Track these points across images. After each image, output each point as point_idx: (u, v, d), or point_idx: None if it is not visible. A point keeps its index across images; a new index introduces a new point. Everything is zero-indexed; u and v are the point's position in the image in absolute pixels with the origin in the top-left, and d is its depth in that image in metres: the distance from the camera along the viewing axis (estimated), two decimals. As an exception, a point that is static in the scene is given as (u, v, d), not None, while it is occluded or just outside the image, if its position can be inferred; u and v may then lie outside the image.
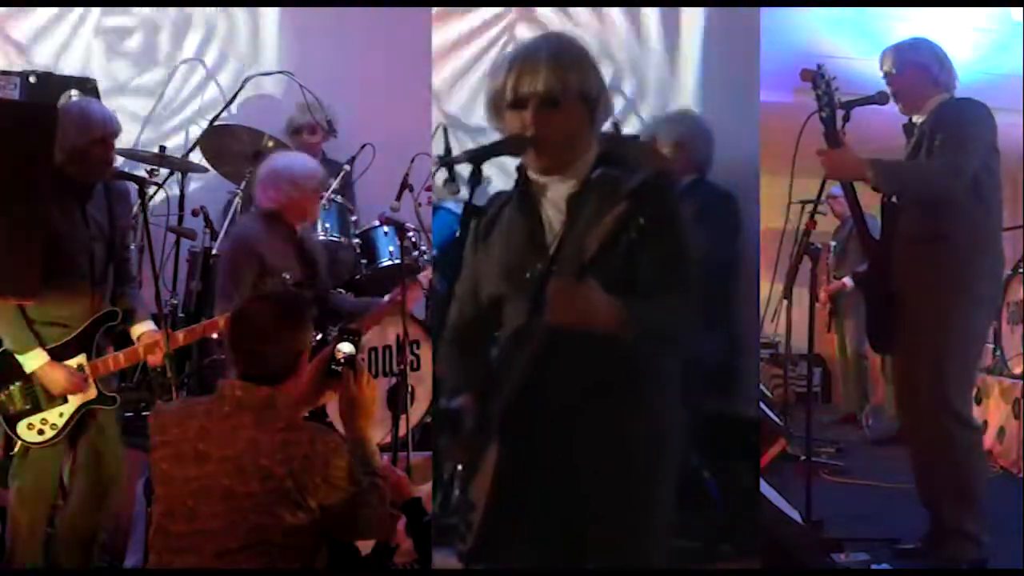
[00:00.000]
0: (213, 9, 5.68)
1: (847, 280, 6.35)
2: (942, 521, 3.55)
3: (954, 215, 3.45)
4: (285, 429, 2.39)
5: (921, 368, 3.53)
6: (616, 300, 2.05)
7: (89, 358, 3.34)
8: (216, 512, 2.35)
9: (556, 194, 2.25)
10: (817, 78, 3.48)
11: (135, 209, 4.34)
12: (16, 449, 3.34)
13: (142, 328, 3.49)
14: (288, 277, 3.90)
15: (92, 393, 3.35)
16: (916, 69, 3.61)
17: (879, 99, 3.64)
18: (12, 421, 3.29)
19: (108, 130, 3.33)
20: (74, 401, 3.33)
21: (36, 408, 3.30)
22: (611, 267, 2.07)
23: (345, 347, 2.62)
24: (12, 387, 3.28)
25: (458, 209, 4.04)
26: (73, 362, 3.32)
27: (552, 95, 2.17)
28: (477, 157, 2.22)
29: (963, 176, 3.41)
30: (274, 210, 3.96)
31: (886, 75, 3.66)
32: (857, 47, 6.08)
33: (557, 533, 2.19)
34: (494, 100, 2.24)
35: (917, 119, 3.64)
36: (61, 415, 3.32)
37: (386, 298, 4.25)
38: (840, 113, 3.56)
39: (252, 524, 2.33)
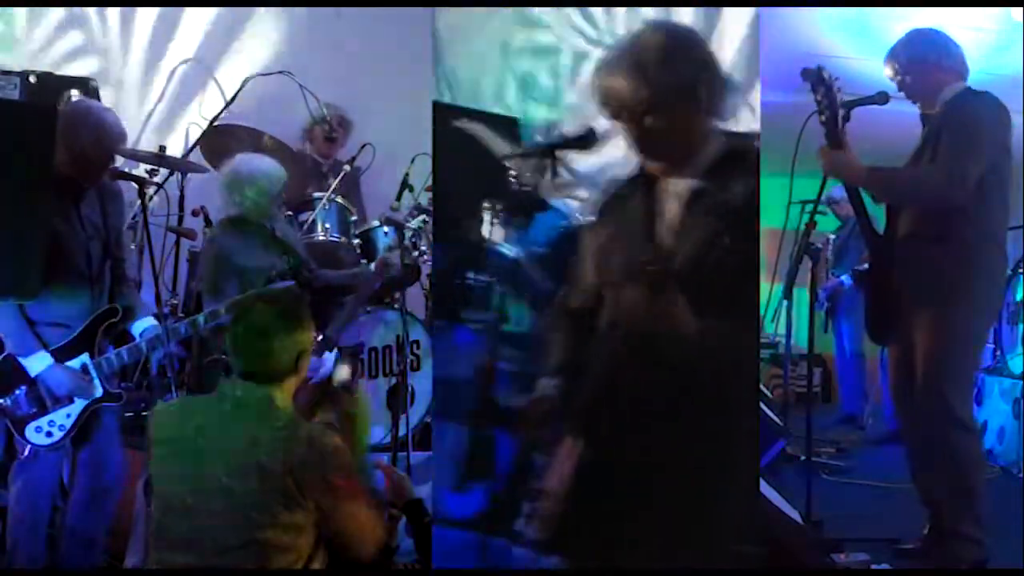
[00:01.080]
0: (213, 9, 5.68)
1: (844, 278, 6.34)
2: (941, 521, 3.55)
3: (956, 216, 3.42)
4: (284, 428, 2.39)
5: (919, 367, 3.52)
6: (691, 316, 2.02)
7: (92, 357, 3.34)
8: (215, 510, 2.36)
9: (676, 187, 2.16)
10: (816, 81, 3.41)
11: (135, 209, 4.35)
12: (26, 453, 3.33)
13: (144, 324, 3.48)
14: (274, 275, 3.89)
15: (97, 392, 3.35)
16: (916, 64, 3.56)
17: (879, 99, 3.62)
18: (20, 425, 3.28)
19: (121, 137, 3.38)
20: (80, 401, 3.33)
21: (42, 411, 3.30)
22: (698, 281, 2.04)
23: (342, 373, 2.65)
24: (17, 391, 3.28)
25: (566, 208, 4.01)
26: (76, 362, 3.32)
27: (639, 105, 2.06)
28: (548, 150, 2.20)
29: (964, 184, 3.35)
30: (240, 215, 3.97)
31: (893, 79, 3.62)
32: (857, 47, 6.07)
33: (631, 533, 2.15)
34: (597, 101, 2.16)
35: (932, 111, 3.59)
36: (68, 416, 3.32)
37: (372, 266, 4.27)
38: (840, 113, 3.55)
39: (252, 522, 2.34)
